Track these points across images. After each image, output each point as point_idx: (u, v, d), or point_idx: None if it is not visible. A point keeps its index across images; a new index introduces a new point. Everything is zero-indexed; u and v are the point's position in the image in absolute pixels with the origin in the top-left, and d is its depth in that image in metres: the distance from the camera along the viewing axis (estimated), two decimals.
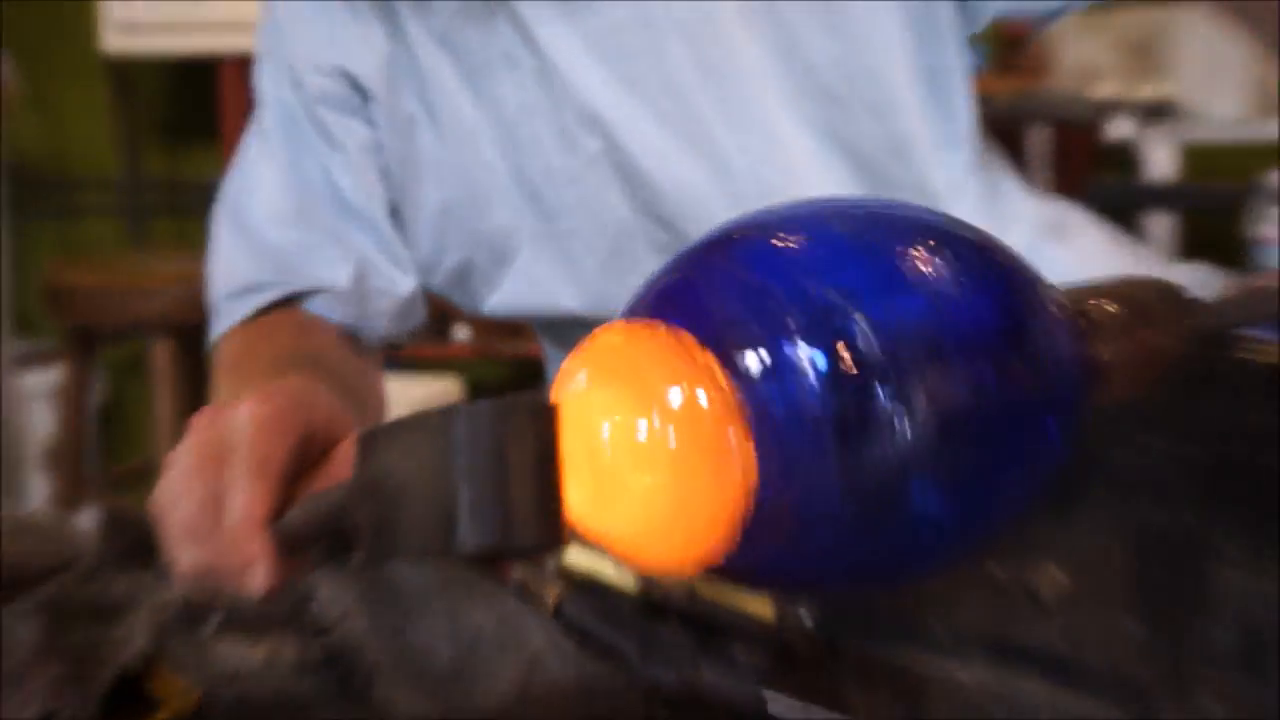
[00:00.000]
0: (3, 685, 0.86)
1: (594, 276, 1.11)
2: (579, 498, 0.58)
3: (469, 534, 0.57)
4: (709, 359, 0.56)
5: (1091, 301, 0.72)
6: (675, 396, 0.56)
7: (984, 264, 0.63)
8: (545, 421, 0.58)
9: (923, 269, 0.60)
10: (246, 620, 1.01)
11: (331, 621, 0.99)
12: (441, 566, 1.06)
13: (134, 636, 1.00)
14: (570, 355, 0.61)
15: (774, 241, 0.60)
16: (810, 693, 1.00)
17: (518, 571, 1.06)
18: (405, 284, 1.15)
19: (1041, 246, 1.15)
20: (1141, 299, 0.75)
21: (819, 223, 0.62)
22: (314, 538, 0.73)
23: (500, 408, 0.57)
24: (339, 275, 1.11)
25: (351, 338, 1.14)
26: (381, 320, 1.15)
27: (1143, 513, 0.88)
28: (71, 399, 2.63)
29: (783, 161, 1.07)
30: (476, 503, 0.57)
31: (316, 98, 1.10)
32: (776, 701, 0.91)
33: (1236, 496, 0.85)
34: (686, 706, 0.94)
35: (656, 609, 1.05)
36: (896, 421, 0.58)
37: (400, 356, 3.65)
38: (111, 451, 3.80)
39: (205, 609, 1.02)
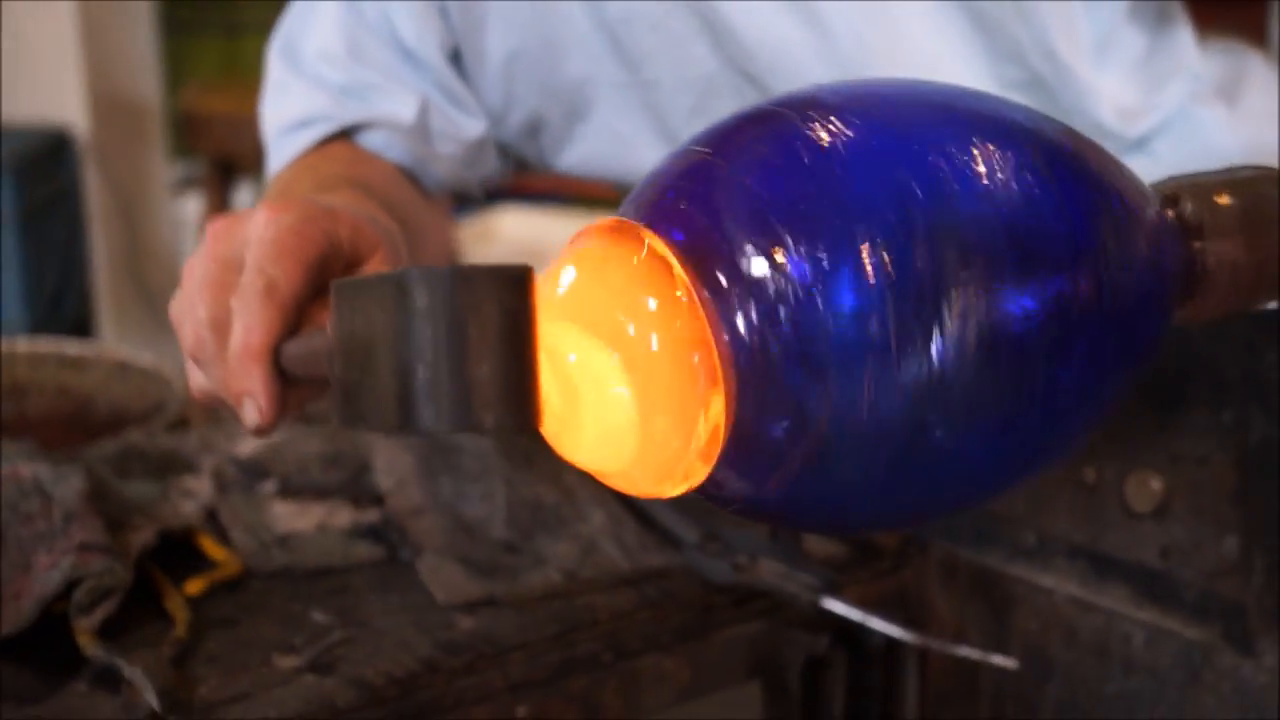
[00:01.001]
0: (37, 544, 0.84)
1: (679, 132, 1.03)
2: (550, 402, 0.53)
3: (426, 413, 0.50)
4: (691, 276, 0.51)
5: (1194, 197, 0.62)
6: (647, 315, 0.51)
7: (1044, 165, 0.55)
8: (514, 292, 0.51)
9: (959, 171, 0.53)
10: (304, 484, 0.98)
11: (386, 490, 0.96)
12: (505, 435, 1.02)
13: (191, 495, 0.98)
14: (563, 251, 0.56)
15: (800, 140, 0.53)
16: (886, 586, 0.95)
17: None
18: (471, 127, 1.08)
19: (1194, 108, 1.05)
20: (1258, 193, 0.66)
21: (852, 114, 0.54)
22: (310, 376, 0.66)
23: (461, 274, 0.50)
24: (400, 110, 1.05)
25: (411, 179, 1.09)
26: (445, 164, 1.09)
27: (1249, 423, 0.79)
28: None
29: (889, 22, 0.97)
30: (435, 379, 0.50)
31: None
32: (835, 604, 0.85)
33: None
34: (744, 599, 0.89)
35: None
36: (908, 348, 0.51)
37: (564, 193, 3.59)
38: None
39: (265, 470, 1.00)
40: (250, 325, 0.67)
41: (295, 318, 0.68)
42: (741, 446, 0.54)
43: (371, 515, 0.95)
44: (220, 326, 0.68)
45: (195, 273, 0.71)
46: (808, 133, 0.54)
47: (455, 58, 1.07)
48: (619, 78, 1.02)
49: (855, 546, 0.95)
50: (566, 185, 3.43)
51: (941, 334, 0.52)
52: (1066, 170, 0.57)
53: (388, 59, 1.05)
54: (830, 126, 0.54)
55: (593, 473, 0.56)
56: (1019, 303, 0.53)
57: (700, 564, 0.89)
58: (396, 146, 1.04)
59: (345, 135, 1.04)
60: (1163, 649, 0.84)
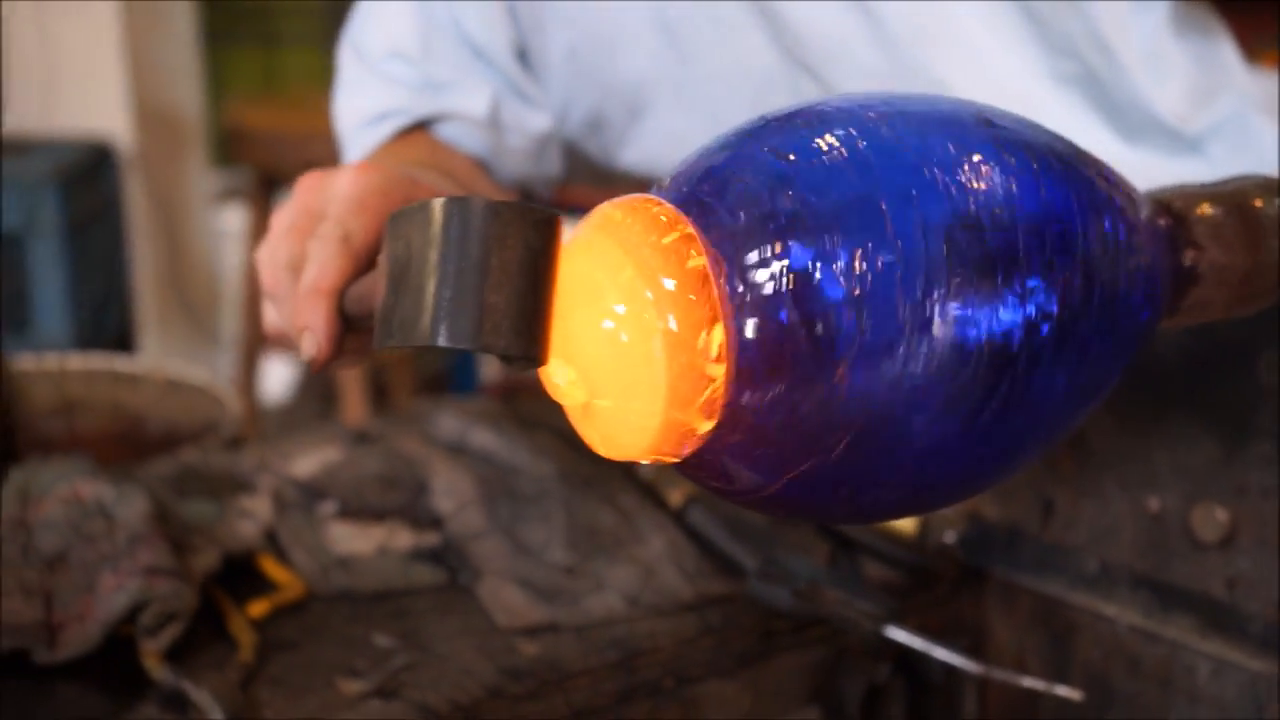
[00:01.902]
0: (100, 566, 0.84)
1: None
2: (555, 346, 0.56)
3: (442, 329, 0.55)
4: (705, 255, 0.54)
5: (1186, 206, 0.64)
6: (656, 286, 0.54)
7: (1037, 170, 0.58)
8: (540, 231, 0.55)
9: (956, 176, 0.56)
10: (362, 506, 0.99)
11: (446, 513, 0.96)
12: (563, 458, 1.02)
13: (249, 515, 0.98)
14: (588, 217, 0.58)
15: (808, 146, 0.56)
16: (944, 614, 0.95)
17: (644, 469, 1.01)
18: (537, 121, 1.09)
19: (1251, 118, 1.04)
20: (1248, 201, 0.66)
21: (855, 124, 0.57)
22: (366, 314, 0.70)
23: (494, 208, 0.55)
24: (474, 103, 1.06)
25: (484, 170, 1.10)
26: (515, 158, 1.10)
27: None
28: (254, 243, 2.64)
29: (941, 11, 0.97)
30: (456, 300, 0.55)
31: None
32: (897, 632, 0.85)
33: None
34: (804, 626, 0.89)
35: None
36: (905, 343, 0.54)
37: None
38: None
39: (323, 491, 1.01)
40: (322, 267, 0.71)
41: (365, 268, 0.73)
42: (735, 423, 0.56)
43: (431, 538, 0.95)
44: (296, 267, 0.73)
45: (281, 221, 0.76)
46: (808, 139, 0.57)
47: (522, 55, 1.08)
48: (675, 73, 1.02)
49: (913, 573, 0.95)
50: (608, 197, 3.42)
51: (929, 332, 0.54)
52: (1058, 176, 0.59)
53: (458, 56, 1.07)
54: (831, 137, 0.57)
55: (579, 417, 0.58)
56: (1007, 303, 0.56)
57: (761, 591, 0.88)
58: (472, 137, 1.06)
59: (422, 127, 1.06)
60: (1228, 681, 0.84)
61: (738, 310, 0.54)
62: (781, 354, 0.54)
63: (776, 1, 0.97)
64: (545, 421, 1.08)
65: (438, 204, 0.56)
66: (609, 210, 0.57)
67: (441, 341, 0.55)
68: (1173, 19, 0.99)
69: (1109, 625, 0.89)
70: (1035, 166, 0.59)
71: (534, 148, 1.11)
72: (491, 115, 1.07)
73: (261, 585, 0.91)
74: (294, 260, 0.73)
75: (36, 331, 2.54)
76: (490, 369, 2.98)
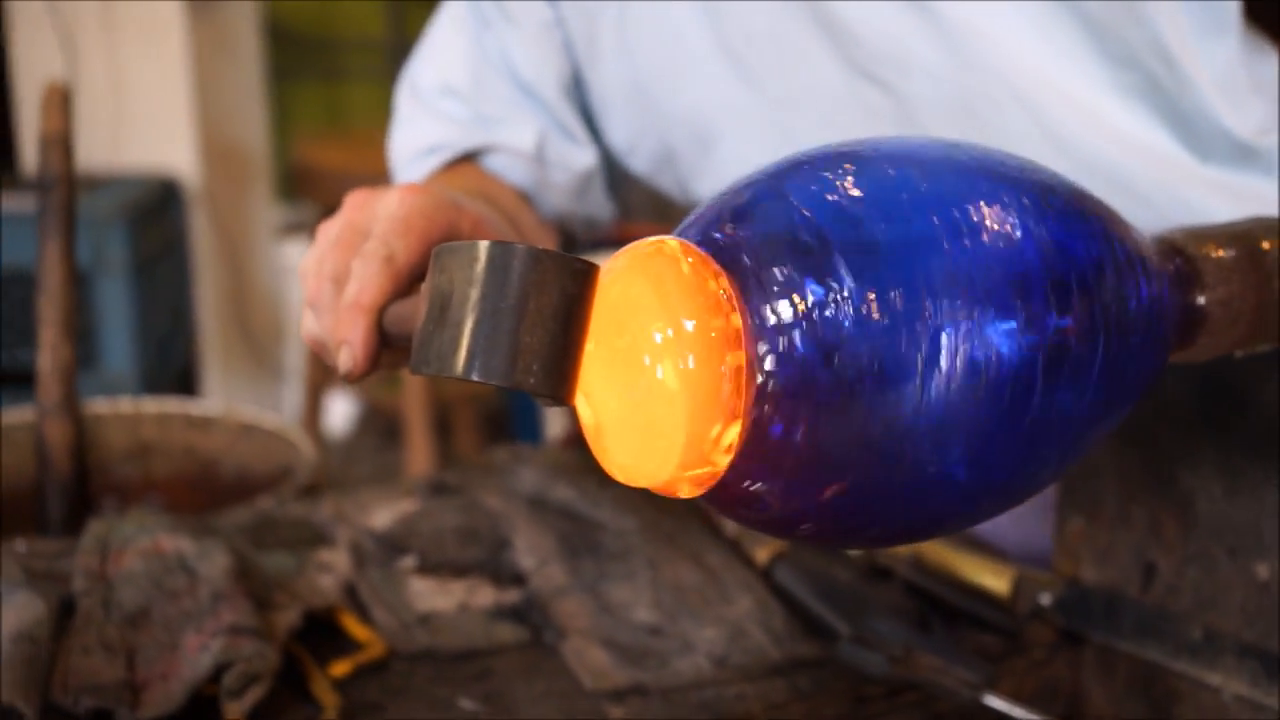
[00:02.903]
0: (184, 623, 0.83)
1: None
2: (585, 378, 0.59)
3: (477, 364, 0.59)
4: (726, 291, 0.56)
5: (1195, 248, 0.66)
6: (677, 323, 0.56)
7: (1046, 214, 0.60)
8: (577, 279, 0.59)
9: (971, 218, 0.58)
10: (442, 560, 0.97)
11: (528, 569, 0.95)
12: (645, 513, 1.01)
13: (328, 570, 0.97)
14: (616, 255, 0.60)
15: (828, 185, 0.58)
16: (1039, 679, 0.92)
17: (729, 526, 0.99)
18: (580, 158, 1.09)
19: None
20: (1257, 243, 0.67)
21: (872, 167, 0.60)
22: (404, 335, 0.73)
23: (536, 255, 0.59)
24: (521, 138, 1.08)
25: (528, 203, 1.11)
26: (556, 193, 1.11)
27: None
28: None
29: (993, 10, 0.95)
30: (492, 337, 0.59)
31: None
32: (994, 699, 0.83)
33: None
34: (896, 691, 0.86)
35: (879, 574, 0.97)
36: (921, 375, 0.56)
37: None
38: None
39: (402, 545, 0.99)
40: (364, 284, 0.73)
41: (406, 288, 0.74)
42: (756, 456, 0.57)
43: (513, 595, 0.94)
44: (339, 280, 0.75)
45: (329, 233, 0.78)
46: (832, 182, 0.59)
47: (576, 90, 1.09)
48: (742, 100, 1.01)
49: (1007, 637, 0.92)
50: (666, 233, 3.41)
51: (942, 363, 0.56)
52: (1068, 220, 0.61)
53: (507, 93, 1.09)
54: (851, 177, 0.59)
55: (608, 452, 0.60)
56: (1016, 341, 0.58)
57: (854, 655, 0.86)
58: (517, 170, 1.07)
59: (470, 159, 1.07)
60: None
61: (757, 343, 0.55)
62: (800, 386, 0.55)
63: (837, 5, 0.96)
64: None
65: (483, 246, 0.60)
66: (633, 248, 0.59)
67: (475, 376, 0.59)
68: (1242, 49, 0.96)
69: (1213, 695, 0.86)
70: (1047, 207, 0.60)
71: (577, 184, 1.12)
72: (538, 150, 1.09)
73: (342, 642, 0.90)
74: (338, 273, 0.75)
75: (103, 369, 2.55)
76: (554, 410, 2.97)
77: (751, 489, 0.58)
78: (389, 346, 0.74)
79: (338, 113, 3.99)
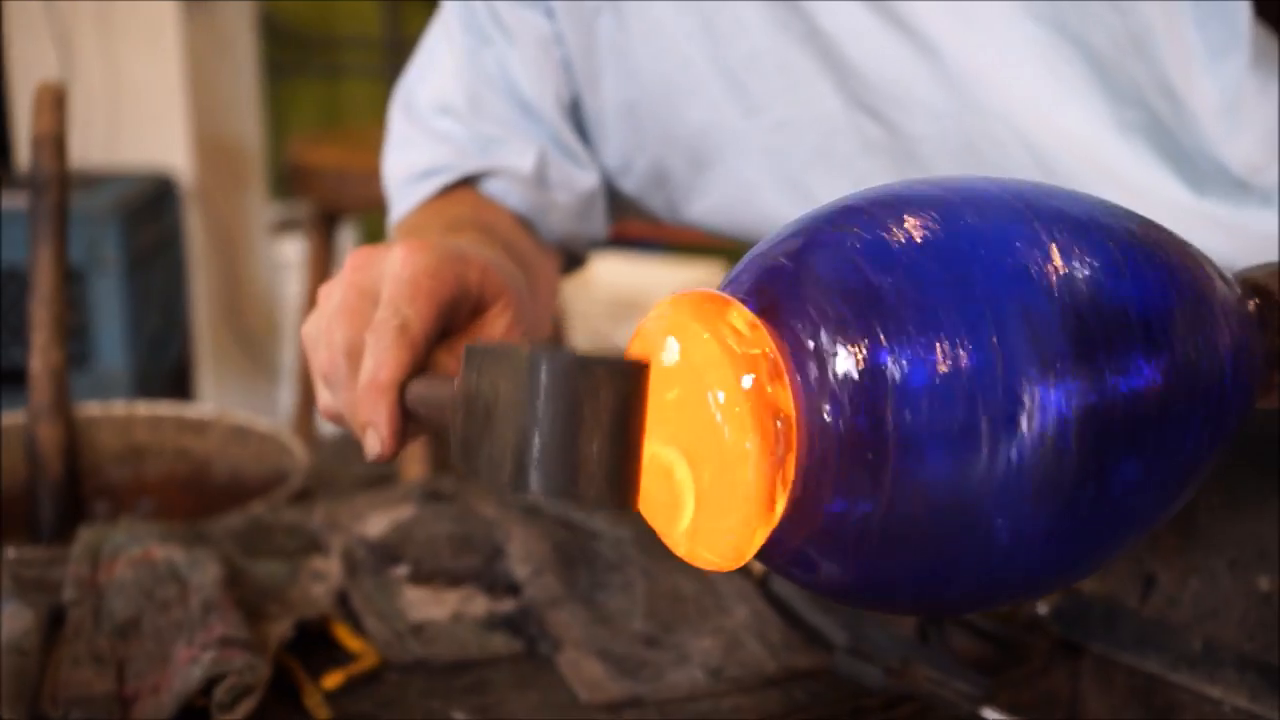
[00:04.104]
0: (174, 635, 0.82)
1: (801, 176, 1.01)
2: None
3: (536, 478, 0.56)
4: (776, 355, 0.53)
5: (1276, 285, 0.62)
6: (728, 386, 0.53)
7: (1120, 257, 0.56)
8: (628, 383, 0.56)
9: (1038, 263, 0.54)
10: (435, 569, 0.96)
11: (523, 579, 0.94)
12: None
13: (321, 578, 0.96)
14: (654, 312, 0.58)
15: (885, 234, 0.55)
16: (1037, 690, 0.91)
17: None
18: (583, 179, 1.07)
19: None
20: None
21: (929, 211, 0.56)
22: (431, 419, 0.70)
23: (583, 361, 0.56)
24: (521, 160, 1.05)
25: (528, 226, 1.09)
26: (559, 216, 1.08)
27: None
28: (313, 279, 2.62)
29: (1002, 54, 0.94)
30: (547, 449, 0.56)
31: None
32: (992, 712, 0.82)
33: None
34: (892, 703, 0.86)
35: None
36: (988, 435, 0.52)
37: (663, 240, 3.56)
38: None
39: (396, 553, 0.98)
40: (381, 361, 0.70)
41: (424, 356, 0.72)
42: (808, 527, 0.55)
43: (507, 605, 0.93)
44: (353, 354, 0.72)
45: (333, 298, 0.74)
46: (884, 228, 0.56)
47: (574, 108, 1.07)
48: (739, 123, 1.00)
49: (1004, 647, 0.91)
50: (664, 232, 3.41)
51: (1014, 425, 0.53)
52: (1142, 262, 0.58)
53: (506, 111, 1.06)
54: (909, 224, 0.56)
55: (669, 539, 0.58)
56: (1093, 394, 0.54)
57: (850, 667, 0.85)
58: (515, 194, 1.05)
59: (467, 183, 1.05)
60: None
61: (811, 404, 0.53)
62: (856, 448, 0.53)
63: (840, 38, 0.95)
64: None
65: (525, 353, 0.57)
66: (676, 306, 0.57)
67: (534, 490, 0.56)
68: (1253, 67, 0.96)
69: (1213, 707, 0.86)
70: (1120, 250, 0.57)
71: (580, 206, 1.09)
72: (538, 172, 1.06)
73: (334, 651, 0.89)
74: (350, 346, 0.72)
75: (97, 366, 2.54)
76: None
77: (802, 551, 0.56)
78: (414, 420, 0.71)
79: (334, 109, 3.97)
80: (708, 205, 1.07)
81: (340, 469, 3.28)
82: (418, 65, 1.12)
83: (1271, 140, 0.97)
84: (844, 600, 0.60)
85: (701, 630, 0.90)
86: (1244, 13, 0.94)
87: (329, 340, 0.73)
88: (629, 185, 1.10)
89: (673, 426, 0.56)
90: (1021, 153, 0.95)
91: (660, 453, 0.56)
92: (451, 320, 0.74)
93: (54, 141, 1.29)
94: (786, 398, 0.53)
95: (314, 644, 0.89)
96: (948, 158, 0.97)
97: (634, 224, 1.20)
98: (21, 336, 2.33)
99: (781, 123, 1.01)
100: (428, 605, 0.93)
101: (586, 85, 1.06)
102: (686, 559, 0.57)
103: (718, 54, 1.00)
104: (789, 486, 0.54)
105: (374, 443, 0.70)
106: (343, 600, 0.94)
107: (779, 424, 0.53)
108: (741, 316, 0.55)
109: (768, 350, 0.54)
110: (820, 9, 0.96)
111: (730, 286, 0.58)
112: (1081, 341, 0.54)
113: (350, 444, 0.86)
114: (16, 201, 2.41)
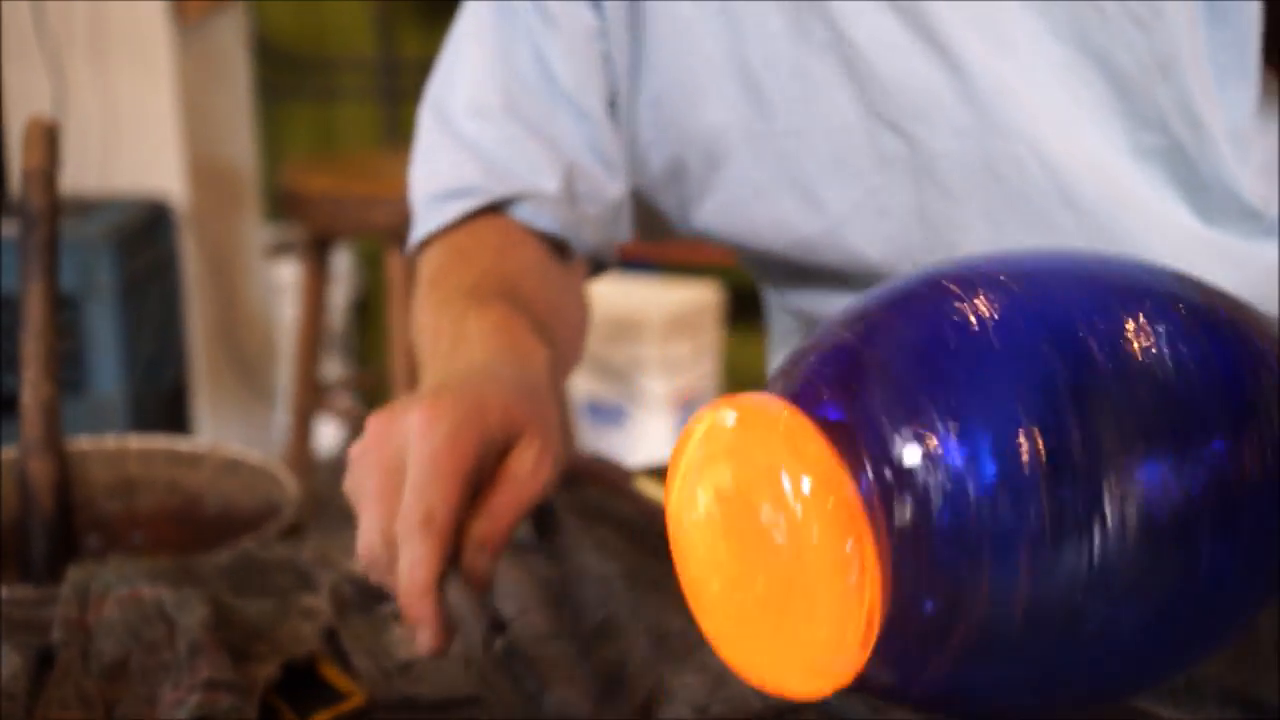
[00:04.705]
0: (160, 676, 0.83)
1: (815, 184, 1.01)
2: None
3: None
4: (842, 460, 0.50)
5: None
6: (788, 506, 0.51)
7: (1196, 331, 0.54)
8: None
9: (1109, 345, 0.52)
10: None
11: (509, 616, 0.94)
12: (628, 557, 1.00)
13: (310, 616, 0.96)
14: (695, 427, 0.55)
15: (939, 320, 0.52)
16: None
17: None
18: (612, 189, 1.06)
19: None
20: None
21: (996, 290, 0.53)
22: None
23: None
24: (547, 180, 1.04)
25: (558, 248, 1.08)
26: (591, 228, 1.08)
27: None
28: (306, 304, 2.63)
29: (1023, 67, 0.95)
30: None
31: None
32: None
33: None
34: None
35: None
36: (1065, 533, 0.50)
37: (658, 261, 3.57)
38: (371, 341, 3.83)
39: (383, 592, 0.99)
40: (414, 561, 0.72)
41: (454, 536, 0.74)
42: (894, 636, 0.52)
43: (494, 642, 0.93)
44: (390, 541, 0.74)
45: (365, 483, 0.77)
46: (954, 313, 0.53)
47: (613, 105, 1.06)
48: (753, 126, 1.01)
49: None
50: (659, 252, 3.42)
51: (1099, 516, 0.51)
52: (1219, 335, 0.56)
53: (541, 108, 1.04)
54: (976, 305, 0.53)
55: (750, 677, 0.54)
56: (1178, 478, 0.52)
57: (837, 703, 0.86)
58: (546, 216, 1.04)
59: (495, 208, 1.04)
60: None
61: (883, 508, 0.51)
62: (934, 552, 0.51)
63: (863, 48, 0.95)
64: (609, 513, 1.06)
65: None
66: (728, 416, 0.54)
67: None
68: (1258, 103, 0.96)
69: None
70: (1197, 323, 0.55)
71: (609, 214, 1.09)
72: (566, 189, 1.05)
73: (322, 690, 0.89)
74: (386, 533, 0.75)
75: (91, 392, 2.54)
76: None
77: (889, 668, 0.54)
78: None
79: (329, 131, 3.98)
80: (716, 204, 1.07)
81: (336, 492, 3.29)
82: (444, 68, 1.11)
83: (1272, 176, 0.97)
84: (923, 709, 0.58)
85: (687, 667, 0.90)
86: (1253, 45, 0.94)
87: (365, 526, 0.76)
88: (644, 180, 1.10)
89: (750, 558, 0.53)
90: (1040, 175, 0.95)
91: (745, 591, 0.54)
92: (478, 481, 0.76)
93: (44, 176, 1.29)
94: (855, 504, 0.51)
95: (302, 683, 0.89)
96: (965, 176, 0.97)
97: (629, 245, 1.20)
98: (15, 364, 2.34)
99: (795, 129, 1.01)
100: (414, 644, 0.93)
101: (622, 79, 1.06)
102: (776, 691, 0.55)
103: (738, 55, 1.01)
104: (878, 602, 0.52)
105: (426, 638, 0.74)
106: (331, 637, 0.95)
107: (850, 541, 0.51)
108: (797, 426, 0.52)
109: (829, 459, 0.51)
110: (851, 19, 0.96)
111: (784, 389, 0.55)
112: (1165, 423, 0.52)
113: (345, 463, 0.87)
114: (14, 230, 2.42)
